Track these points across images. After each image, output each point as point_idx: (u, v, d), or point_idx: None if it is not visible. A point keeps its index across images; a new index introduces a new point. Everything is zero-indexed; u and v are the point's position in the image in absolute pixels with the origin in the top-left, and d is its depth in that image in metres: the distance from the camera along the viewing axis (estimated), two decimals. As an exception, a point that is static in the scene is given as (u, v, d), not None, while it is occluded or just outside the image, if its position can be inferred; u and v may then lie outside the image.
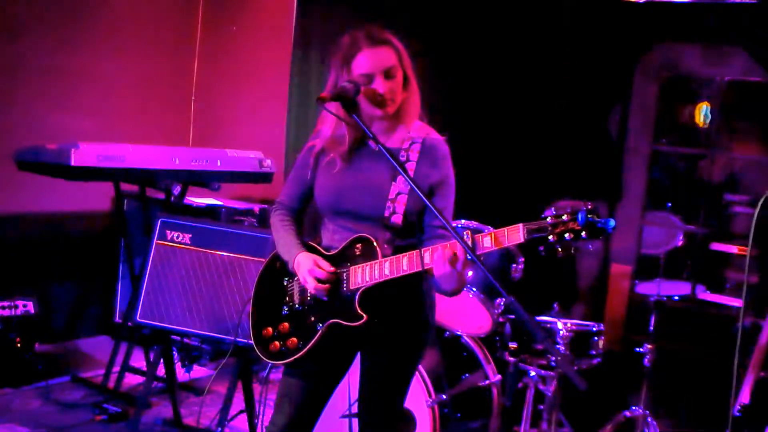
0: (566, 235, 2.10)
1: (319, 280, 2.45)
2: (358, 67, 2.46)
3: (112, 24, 5.43)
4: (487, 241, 2.22)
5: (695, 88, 5.81)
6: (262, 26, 6.16)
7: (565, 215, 2.10)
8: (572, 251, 2.12)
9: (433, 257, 2.30)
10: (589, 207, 2.09)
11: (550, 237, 2.11)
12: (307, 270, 2.47)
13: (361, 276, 2.43)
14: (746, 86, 5.53)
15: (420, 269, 2.34)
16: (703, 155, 5.82)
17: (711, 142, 5.74)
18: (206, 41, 6.08)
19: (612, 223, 2.08)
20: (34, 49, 5.02)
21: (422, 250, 2.33)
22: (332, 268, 2.47)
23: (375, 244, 2.43)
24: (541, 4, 5.69)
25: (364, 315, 2.40)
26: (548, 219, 2.12)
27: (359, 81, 2.44)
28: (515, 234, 2.17)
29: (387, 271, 2.38)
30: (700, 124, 5.79)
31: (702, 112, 5.77)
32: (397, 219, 2.46)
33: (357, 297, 2.42)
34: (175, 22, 5.96)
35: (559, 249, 2.12)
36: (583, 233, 2.08)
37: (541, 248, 2.14)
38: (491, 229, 2.31)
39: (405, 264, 2.36)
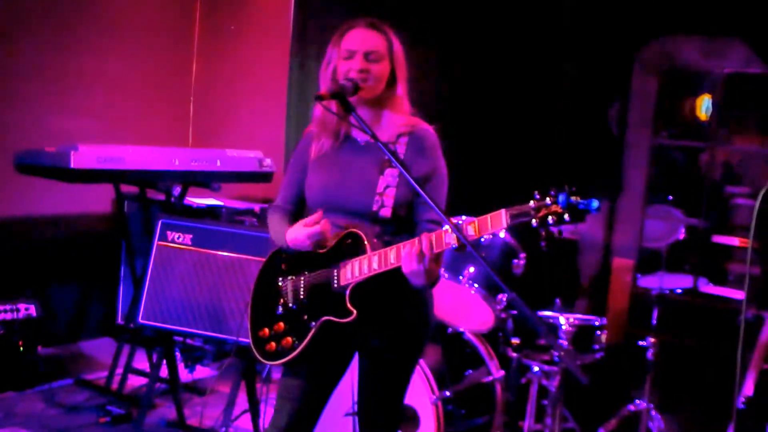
0: (549, 218, 2.06)
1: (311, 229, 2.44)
2: (346, 42, 2.51)
3: (109, 25, 5.43)
4: (471, 230, 2.20)
5: (695, 80, 5.80)
6: (260, 25, 6.15)
7: (548, 198, 2.06)
8: (557, 235, 2.08)
9: (400, 255, 2.29)
10: (572, 189, 2.04)
11: (533, 221, 2.07)
12: (306, 233, 2.45)
13: (351, 272, 2.42)
14: (746, 78, 5.52)
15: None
16: (704, 148, 5.81)
17: (711, 134, 5.73)
18: (204, 41, 6.07)
19: (595, 203, 2.03)
20: (31, 51, 5.02)
21: (402, 244, 2.30)
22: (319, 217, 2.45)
23: (364, 238, 2.41)
24: (539, -2, 5.68)
25: (354, 311, 2.38)
26: (531, 203, 2.09)
27: (343, 55, 2.48)
28: (498, 220, 2.14)
29: (375, 266, 2.36)
30: (702, 117, 5.77)
31: (703, 105, 5.75)
32: (386, 212, 2.46)
33: (348, 293, 2.41)
34: (173, 22, 5.95)
35: (543, 234, 2.09)
36: (566, 216, 2.03)
37: (543, 243, 2.12)
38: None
39: (393, 258, 2.33)
